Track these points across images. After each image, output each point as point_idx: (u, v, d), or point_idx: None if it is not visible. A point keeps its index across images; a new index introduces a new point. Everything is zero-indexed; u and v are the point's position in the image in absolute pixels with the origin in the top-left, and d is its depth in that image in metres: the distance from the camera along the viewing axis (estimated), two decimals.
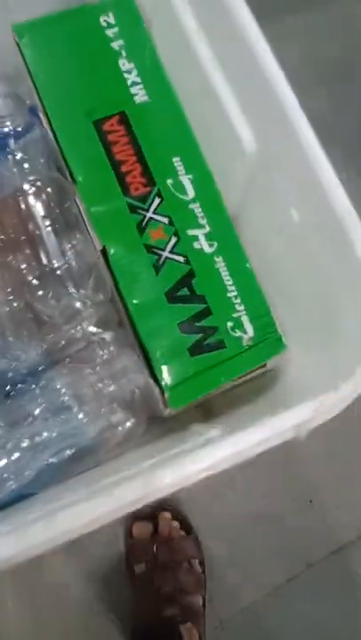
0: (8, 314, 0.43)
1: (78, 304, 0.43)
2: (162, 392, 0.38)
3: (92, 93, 0.42)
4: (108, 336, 0.43)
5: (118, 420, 0.42)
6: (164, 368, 0.39)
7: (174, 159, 0.41)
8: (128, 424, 0.42)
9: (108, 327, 0.44)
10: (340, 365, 0.34)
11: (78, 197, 0.41)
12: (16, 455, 0.42)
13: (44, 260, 0.44)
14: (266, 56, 0.36)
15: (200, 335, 0.39)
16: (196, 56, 0.40)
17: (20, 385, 0.42)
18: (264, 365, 0.40)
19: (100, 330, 0.43)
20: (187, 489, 0.30)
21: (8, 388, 0.42)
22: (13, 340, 0.42)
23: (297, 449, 0.64)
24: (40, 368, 0.43)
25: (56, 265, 0.44)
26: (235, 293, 0.40)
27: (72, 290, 0.43)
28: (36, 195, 0.44)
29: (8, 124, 0.46)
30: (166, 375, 0.39)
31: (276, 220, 0.38)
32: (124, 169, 0.41)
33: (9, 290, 0.44)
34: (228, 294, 0.40)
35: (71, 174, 0.41)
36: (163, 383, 0.38)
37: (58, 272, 0.43)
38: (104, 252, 0.40)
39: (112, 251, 0.40)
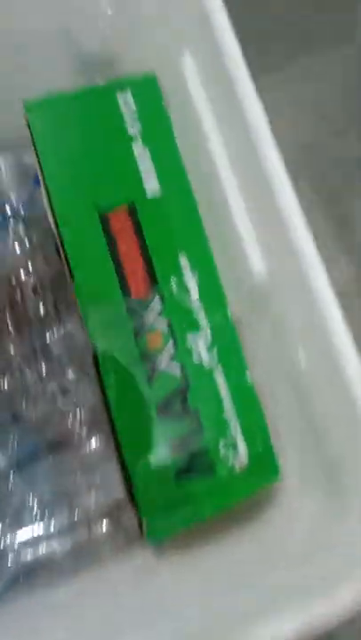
0: None
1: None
2: (140, 519, 0.35)
3: (100, 180, 0.39)
4: (93, 441, 0.41)
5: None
6: (146, 490, 0.35)
7: (181, 256, 0.39)
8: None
9: (93, 429, 0.41)
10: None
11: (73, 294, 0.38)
12: None
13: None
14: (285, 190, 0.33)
15: (189, 457, 0.36)
16: (211, 155, 0.37)
17: None
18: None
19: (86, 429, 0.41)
20: None
21: None
22: None
23: None
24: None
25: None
26: (231, 412, 0.37)
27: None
28: (31, 275, 0.42)
29: (12, 198, 0.44)
30: (147, 499, 0.35)
31: (283, 355, 0.35)
32: (126, 266, 0.38)
33: None
34: (225, 412, 0.36)
35: (69, 265, 0.38)
36: (142, 508, 0.35)
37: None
38: (94, 357, 0.37)
39: (105, 357, 0.37)
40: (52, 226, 0.40)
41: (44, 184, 0.39)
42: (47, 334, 0.41)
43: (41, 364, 0.41)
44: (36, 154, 0.40)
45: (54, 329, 0.41)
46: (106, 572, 0.38)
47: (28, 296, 0.41)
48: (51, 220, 0.40)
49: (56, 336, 0.41)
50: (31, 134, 0.40)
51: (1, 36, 0.43)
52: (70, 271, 0.38)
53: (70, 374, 0.41)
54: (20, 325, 0.41)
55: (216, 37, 0.36)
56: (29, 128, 0.40)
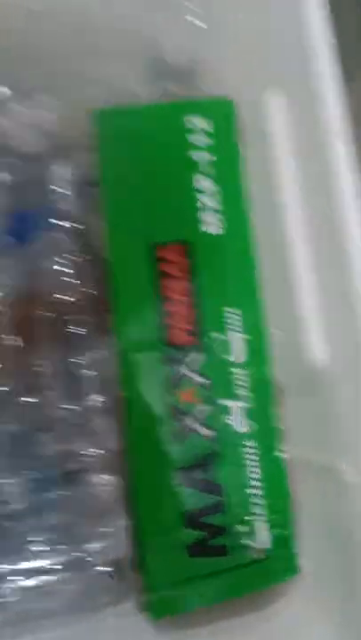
0: None
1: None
2: (143, 589, 0.33)
3: (156, 210, 0.36)
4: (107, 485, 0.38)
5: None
6: (154, 559, 0.33)
7: (231, 310, 0.35)
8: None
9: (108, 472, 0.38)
10: None
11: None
12: None
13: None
14: None
15: (205, 533, 0.33)
16: (282, 206, 0.34)
17: None
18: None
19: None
20: None
21: None
22: None
23: None
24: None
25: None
26: (258, 491, 0.34)
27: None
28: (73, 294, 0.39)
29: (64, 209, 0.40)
30: (154, 568, 0.33)
31: (323, 440, 0.32)
32: (169, 307, 0.35)
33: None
34: (249, 490, 0.34)
35: (112, 293, 0.35)
36: (147, 578, 0.32)
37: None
38: (121, 401, 0.34)
39: (133, 403, 0.34)
40: (102, 244, 0.37)
41: (101, 199, 0.36)
42: (77, 358, 0.38)
43: (67, 389, 0.38)
44: (98, 164, 0.36)
45: (85, 354, 0.38)
46: (98, 621, 0.36)
47: (64, 314, 0.38)
48: (101, 238, 0.37)
49: (85, 362, 0.38)
50: (95, 143, 0.36)
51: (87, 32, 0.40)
52: (112, 299, 0.35)
53: (94, 405, 0.38)
54: (52, 344, 0.38)
55: (315, 83, 0.33)
56: (94, 136, 0.36)
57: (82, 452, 0.38)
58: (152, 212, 0.36)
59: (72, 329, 0.39)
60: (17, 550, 0.37)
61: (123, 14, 0.42)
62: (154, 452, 0.34)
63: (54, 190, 0.40)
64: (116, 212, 0.36)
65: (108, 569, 0.38)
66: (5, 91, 0.39)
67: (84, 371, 0.39)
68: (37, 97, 0.40)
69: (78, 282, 0.39)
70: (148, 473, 0.33)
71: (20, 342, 0.38)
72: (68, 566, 0.37)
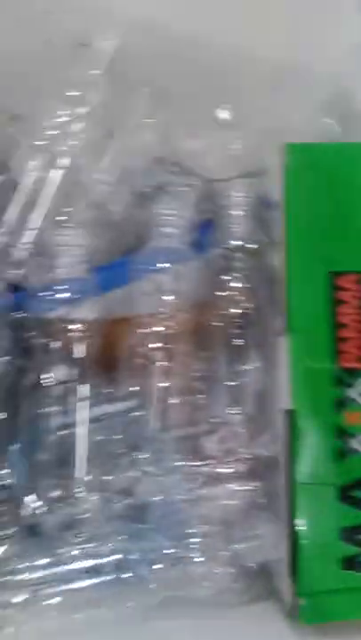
0: None
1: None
2: (295, 595, 0.35)
3: (338, 240, 0.38)
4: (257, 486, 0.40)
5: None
6: (309, 567, 0.35)
7: None
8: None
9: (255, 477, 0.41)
10: None
11: (285, 348, 0.37)
12: None
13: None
14: None
15: (358, 549, 0.35)
16: None
17: None
18: None
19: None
20: None
21: None
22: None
23: None
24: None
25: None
26: None
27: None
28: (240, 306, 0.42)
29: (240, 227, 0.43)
30: (308, 576, 0.35)
31: None
32: (343, 333, 0.37)
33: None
34: None
35: (288, 318, 0.38)
36: (299, 585, 0.35)
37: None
38: (289, 415, 0.37)
39: (301, 419, 0.36)
40: (278, 266, 0.39)
41: (284, 226, 0.39)
42: (236, 368, 0.41)
43: (224, 395, 0.41)
44: (283, 194, 0.39)
45: (243, 365, 0.41)
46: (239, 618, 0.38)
47: (230, 326, 0.41)
48: (271, 259, 0.40)
49: (242, 372, 0.41)
50: (283, 175, 0.39)
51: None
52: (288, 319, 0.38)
53: (248, 412, 0.40)
54: (217, 351, 0.41)
55: None
56: (282, 168, 0.39)
57: (235, 457, 0.41)
58: (333, 242, 0.38)
59: (236, 340, 0.42)
60: (174, 537, 0.40)
61: (310, 58, 0.45)
62: (315, 466, 0.36)
63: (230, 211, 0.43)
64: (298, 240, 0.39)
65: (253, 568, 0.41)
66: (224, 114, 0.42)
67: (242, 380, 0.41)
68: (228, 126, 0.44)
69: (245, 297, 0.42)
70: (309, 485, 0.36)
71: (189, 347, 0.42)
72: (214, 561, 0.39)
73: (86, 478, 0.41)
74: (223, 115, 0.43)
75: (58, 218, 0.45)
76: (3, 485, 0.43)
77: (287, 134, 0.43)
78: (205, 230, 0.43)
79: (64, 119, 0.44)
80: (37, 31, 0.44)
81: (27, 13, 0.43)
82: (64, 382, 0.42)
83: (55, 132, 0.44)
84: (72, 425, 0.42)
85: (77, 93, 0.44)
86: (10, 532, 0.43)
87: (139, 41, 0.43)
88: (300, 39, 0.47)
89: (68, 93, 0.43)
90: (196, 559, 0.39)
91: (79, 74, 0.44)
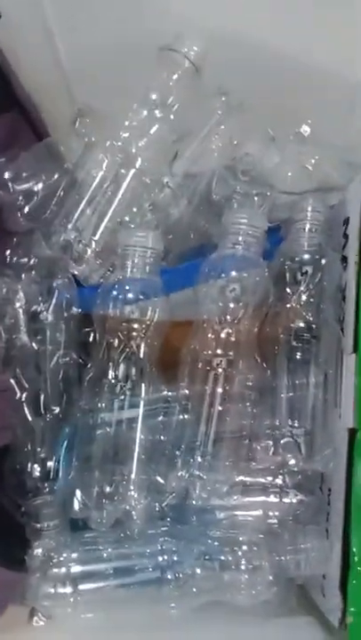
0: None
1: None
2: (344, 612, 0.35)
3: None
4: (304, 500, 0.41)
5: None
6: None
7: None
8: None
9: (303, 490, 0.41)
10: None
11: (352, 367, 0.38)
12: None
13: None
14: None
15: None
16: None
17: None
18: None
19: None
20: None
21: None
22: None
23: None
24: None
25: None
26: None
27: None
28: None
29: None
30: (359, 596, 0.35)
31: None
32: None
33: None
34: None
35: (356, 337, 0.38)
36: (351, 601, 0.35)
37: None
38: (351, 433, 0.37)
39: None
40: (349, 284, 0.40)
41: (359, 254, 0.39)
42: (298, 380, 0.41)
43: (285, 408, 0.41)
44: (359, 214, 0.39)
45: (304, 379, 0.41)
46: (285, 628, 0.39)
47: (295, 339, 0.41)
48: (350, 279, 0.40)
49: (303, 385, 0.41)
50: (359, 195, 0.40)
51: None
52: (355, 342, 0.38)
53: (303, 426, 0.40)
54: (280, 363, 0.41)
55: None
56: (359, 189, 0.40)
57: (288, 469, 0.41)
58: None
59: (298, 354, 0.42)
60: (220, 542, 0.40)
61: None
62: None
63: (301, 224, 0.44)
64: None
65: (294, 581, 0.41)
66: (306, 130, 0.42)
67: (301, 394, 0.42)
68: (304, 141, 0.44)
69: (310, 312, 0.42)
70: None
71: (250, 356, 0.42)
72: (258, 570, 0.40)
73: (137, 477, 0.41)
74: (305, 129, 0.43)
75: (125, 218, 0.46)
76: (50, 478, 0.44)
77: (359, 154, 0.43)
78: (274, 239, 0.43)
79: (140, 121, 0.44)
80: (123, 33, 0.45)
81: (116, 14, 0.44)
82: (121, 380, 0.42)
83: (129, 134, 0.45)
84: (126, 423, 0.42)
85: (155, 97, 0.44)
86: (53, 524, 0.44)
87: (221, 51, 0.43)
88: None
89: (148, 96, 0.44)
90: (241, 566, 0.40)
91: (160, 78, 0.44)
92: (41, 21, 0.45)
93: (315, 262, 0.42)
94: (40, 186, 0.47)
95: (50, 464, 0.43)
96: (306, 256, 0.42)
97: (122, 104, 0.45)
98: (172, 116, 0.44)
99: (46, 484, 0.43)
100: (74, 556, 0.41)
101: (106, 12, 0.44)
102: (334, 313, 0.41)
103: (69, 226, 0.45)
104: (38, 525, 0.42)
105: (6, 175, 0.46)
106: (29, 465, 0.43)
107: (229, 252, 0.42)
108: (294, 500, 0.41)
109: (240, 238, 0.41)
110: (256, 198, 0.44)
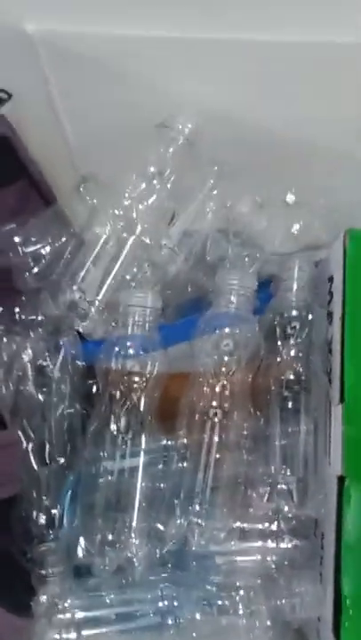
0: None
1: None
2: None
3: None
4: (299, 545, 0.43)
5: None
6: (353, 627, 0.36)
7: None
8: None
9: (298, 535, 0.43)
10: None
11: (339, 416, 0.40)
12: None
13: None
14: None
15: None
16: None
17: None
18: None
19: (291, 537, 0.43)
20: None
21: None
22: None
23: None
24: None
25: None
26: None
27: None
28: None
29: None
30: (352, 636, 0.36)
31: None
32: None
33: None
34: None
35: (342, 387, 0.41)
36: None
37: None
38: (340, 481, 0.39)
39: (352, 486, 0.38)
40: (334, 338, 0.43)
41: (341, 304, 0.42)
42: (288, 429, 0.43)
43: (271, 454, 0.43)
44: (342, 274, 0.42)
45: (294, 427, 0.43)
46: None
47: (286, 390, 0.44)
48: (335, 333, 0.43)
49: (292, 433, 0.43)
50: (343, 257, 0.43)
51: None
52: (341, 392, 0.41)
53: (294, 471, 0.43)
54: (272, 414, 0.44)
55: None
56: (343, 251, 0.43)
57: (282, 515, 0.43)
58: None
59: (288, 404, 0.45)
60: (218, 588, 0.42)
61: None
62: None
63: (288, 282, 0.47)
64: (355, 317, 0.42)
65: (290, 625, 0.43)
66: (291, 197, 0.46)
67: (292, 442, 0.44)
68: (290, 205, 0.48)
69: (299, 364, 0.45)
70: (356, 548, 0.38)
71: (244, 406, 0.44)
72: (255, 614, 0.41)
73: (138, 525, 0.43)
74: (291, 197, 0.47)
75: (127, 277, 0.49)
76: (54, 525, 0.46)
77: (344, 215, 0.47)
78: (264, 295, 0.47)
79: (140, 191, 0.48)
80: (124, 111, 0.49)
81: (118, 95, 0.48)
82: (123, 431, 0.45)
83: (130, 202, 0.49)
84: (127, 472, 0.44)
85: (153, 169, 0.49)
86: (58, 571, 0.45)
87: (213, 126, 0.47)
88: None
89: (146, 168, 0.48)
90: (239, 611, 0.41)
91: (157, 152, 0.48)
92: (48, 101, 0.50)
93: (302, 318, 0.45)
94: (48, 249, 0.51)
95: (54, 512, 0.46)
96: (294, 312, 0.45)
97: (122, 176, 0.49)
98: (168, 186, 0.49)
99: (51, 532, 0.45)
100: (78, 602, 0.42)
101: (108, 92, 0.49)
102: (322, 365, 0.44)
103: (75, 286, 0.48)
104: (43, 572, 0.44)
105: (17, 239, 0.50)
106: (35, 513, 0.45)
107: (223, 310, 0.45)
108: (289, 545, 0.42)
109: (232, 297, 0.45)
110: (247, 259, 0.48)
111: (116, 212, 0.49)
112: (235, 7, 0.41)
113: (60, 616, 0.42)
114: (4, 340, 0.49)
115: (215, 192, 0.51)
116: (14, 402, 0.48)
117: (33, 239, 0.51)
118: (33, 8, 0.44)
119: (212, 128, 0.48)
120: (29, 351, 0.48)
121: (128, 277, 0.50)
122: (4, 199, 0.53)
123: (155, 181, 0.49)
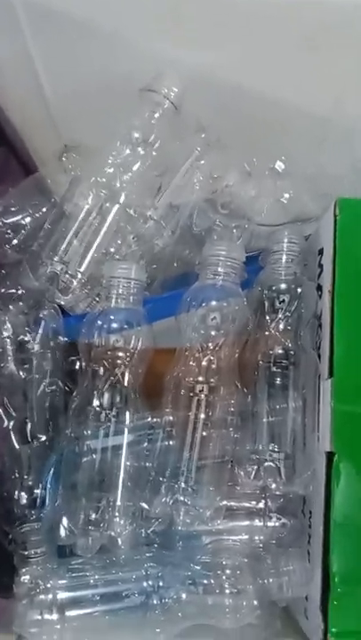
0: None
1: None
2: (325, 633, 0.36)
3: None
4: (287, 523, 0.42)
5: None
6: (341, 606, 0.36)
7: None
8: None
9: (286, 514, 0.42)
10: None
11: (328, 391, 0.39)
12: None
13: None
14: None
15: None
16: None
17: None
18: None
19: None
20: None
21: None
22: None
23: None
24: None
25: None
26: None
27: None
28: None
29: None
30: (340, 615, 0.36)
31: None
32: None
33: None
34: None
35: (331, 362, 0.39)
36: (332, 623, 0.36)
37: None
38: (329, 457, 0.38)
39: (341, 462, 0.38)
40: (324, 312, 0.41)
41: (331, 275, 0.41)
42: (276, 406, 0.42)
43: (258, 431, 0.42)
44: (333, 245, 0.41)
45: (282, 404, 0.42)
46: None
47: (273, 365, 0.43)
48: (324, 307, 0.42)
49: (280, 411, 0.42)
50: (334, 227, 0.41)
51: None
52: (330, 367, 0.39)
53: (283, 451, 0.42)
54: (260, 389, 0.43)
55: None
56: (333, 220, 0.41)
57: (270, 493, 0.42)
58: None
59: (277, 379, 0.43)
60: (204, 567, 0.41)
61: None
62: (352, 507, 0.37)
63: (277, 254, 0.45)
64: (346, 289, 0.41)
65: (277, 604, 0.42)
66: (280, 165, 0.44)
67: (281, 418, 0.43)
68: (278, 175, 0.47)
69: (287, 338, 0.44)
70: (344, 526, 0.37)
71: (230, 382, 0.43)
72: (242, 593, 0.40)
73: (122, 504, 0.42)
74: (280, 165, 0.45)
75: (110, 249, 0.48)
76: (36, 505, 0.45)
77: (332, 184, 0.45)
78: (252, 268, 0.45)
79: (124, 158, 0.46)
80: (105, 74, 0.47)
81: (99, 56, 0.46)
82: (106, 408, 0.43)
83: (113, 170, 0.47)
84: (111, 450, 0.43)
85: (137, 135, 0.47)
86: (40, 551, 0.44)
87: (198, 91, 0.46)
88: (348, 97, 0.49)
89: (130, 134, 0.46)
90: (225, 590, 0.41)
91: (141, 117, 0.46)
92: (27, 63, 0.48)
93: (291, 291, 0.43)
94: (28, 219, 0.49)
95: (36, 491, 0.44)
96: (283, 285, 0.44)
97: (105, 142, 0.47)
98: (154, 153, 0.47)
99: (33, 512, 0.44)
100: (61, 582, 0.41)
101: (89, 54, 0.47)
102: (311, 340, 0.43)
103: (56, 258, 0.46)
104: (25, 552, 0.43)
105: None
106: (16, 492, 0.44)
107: (210, 283, 0.43)
108: (277, 524, 0.42)
109: (219, 269, 0.43)
110: (235, 231, 0.47)
111: (99, 179, 0.47)
112: None
113: (42, 597, 0.41)
114: None
115: (202, 162, 0.49)
116: None
117: (12, 209, 0.49)
118: None
119: (196, 93, 0.46)
120: (9, 326, 0.47)
121: (112, 250, 0.48)
122: None
123: (139, 148, 0.47)
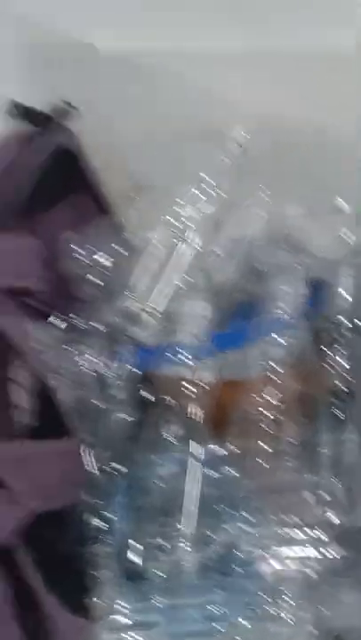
0: None
1: None
2: None
3: None
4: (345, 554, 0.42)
5: None
6: None
7: None
8: None
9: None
10: None
11: None
12: None
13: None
14: None
15: None
16: None
17: None
18: None
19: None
20: None
21: None
22: None
23: None
24: None
25: None
26: None
27: None
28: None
29: None
30: None
31: None
32: None
33: None
34: None
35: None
36: None
37: None
38: None
39: None
40: None
41: None
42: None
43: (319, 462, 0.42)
44: None
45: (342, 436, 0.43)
46: None
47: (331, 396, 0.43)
48: None
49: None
50: None
51: None
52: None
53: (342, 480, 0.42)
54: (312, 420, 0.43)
55: None
56: None
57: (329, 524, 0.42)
58: None
59: (336, 412, 0.44)
60: (268, 595, 0.41)
61: None
62: None
63: (337, 288, 0.46)
64: None
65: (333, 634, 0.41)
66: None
67: (340, 450, 0.43)
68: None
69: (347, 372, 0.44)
70: None
71: (293, 414, 0.44)
72: (300, 621, 0.40)
73: (188, 530, 0.43)
74: (340, 202, 0.46)
75: (179, 285, 0.50)
76: (106, 530, 0.47)
77: None
78: (312, 301, 0.46)
79: (194, 199, 0.49)
80: (175, 118, 0.50)
81: (172, 98, 0.49)
82: (175, 437, 0.45)
83: (183, 211, 0.49)
84: (178, 478, 0.45)
85: (209, 179, 0.49)
86: (110, 574, 0.46)
87: (266, 135, 0.48)
88: None
89: (202, 176, 0.49)
90: (284, 618, 0.41)
91: (213, 161, 0.49)
92: (102, 107, 0.52)
93: (351, 326, 0.44)
94: (105, 257, 0.53)
95: (108, 516, 0.47)
96: (344, 319, 0.44)
97: (176, 183, 0.50)
98: (224, 195, 0.49)
99: (104, 536, 0.46)
100: (128, 605, 0.43)
101: (160, 97, 0.50)
102: None
103: (131, 294, 0.49)
104: (96, 575, 0.45)
105: (77, 249, 0.52)
106: (90, 517, 0.47)
107: (272, 316, 0.45)
108: (336, 555, 0.41)
109: (282, 304, 0.45)
110: (297, 265, 0.48)
111: (170, 219, 0.50)
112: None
113: (114, 617, 0.43)
114: (64, 347, 0.51)
115: (265, 198, 0.51)
116: (75, 410, 0.50)
117: (91, 248, 0.53)
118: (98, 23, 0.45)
119: (259, 136, 0.48)
120: (88, 359, 0.50)
121: (181, 285, 0.51)
122: (65, 210, 0.55)
123: (210, 191, 0.49)
